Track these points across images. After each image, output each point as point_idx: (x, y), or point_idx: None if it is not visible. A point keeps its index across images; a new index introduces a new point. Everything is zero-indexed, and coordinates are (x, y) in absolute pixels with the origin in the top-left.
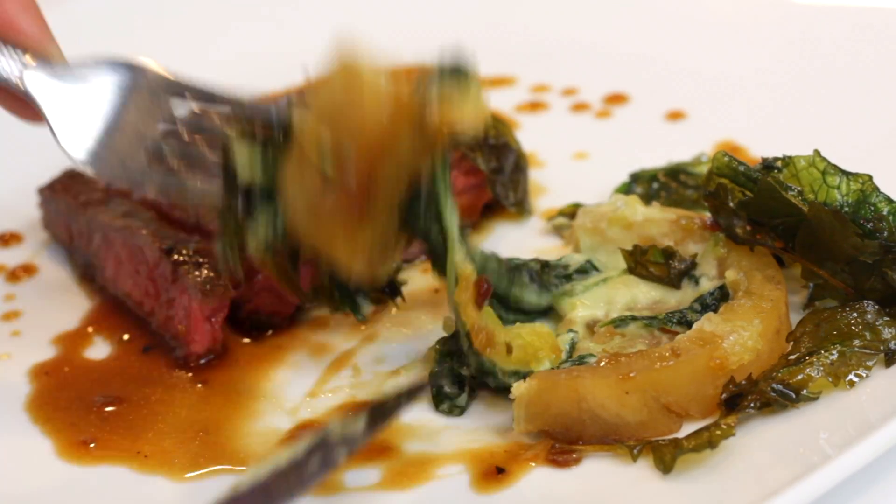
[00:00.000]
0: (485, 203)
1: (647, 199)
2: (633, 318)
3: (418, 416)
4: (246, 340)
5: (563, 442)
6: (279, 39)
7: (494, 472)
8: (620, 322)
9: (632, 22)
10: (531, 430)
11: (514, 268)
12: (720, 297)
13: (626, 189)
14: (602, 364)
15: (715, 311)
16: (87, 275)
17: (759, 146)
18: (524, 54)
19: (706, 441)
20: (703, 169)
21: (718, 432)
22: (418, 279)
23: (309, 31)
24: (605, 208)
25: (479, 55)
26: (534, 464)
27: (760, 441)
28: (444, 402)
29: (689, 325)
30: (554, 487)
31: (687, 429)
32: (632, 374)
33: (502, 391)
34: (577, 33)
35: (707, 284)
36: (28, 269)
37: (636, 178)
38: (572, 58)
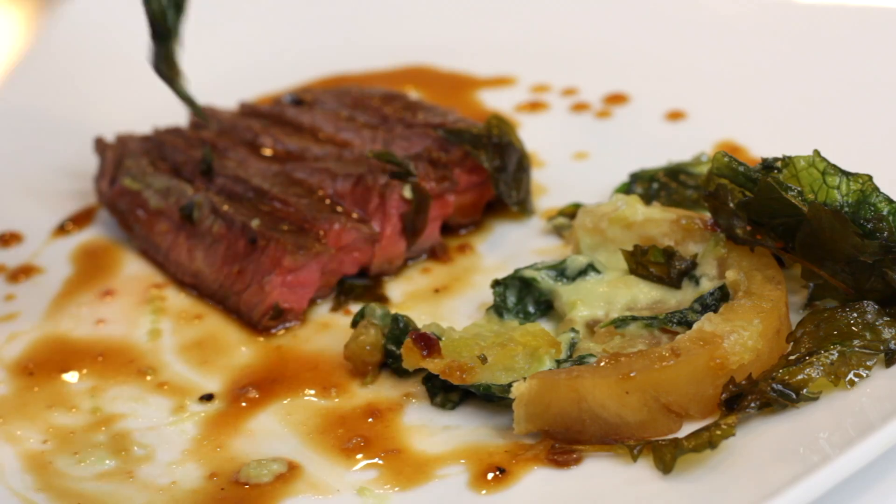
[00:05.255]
0: (487, 201)
1: (647, 199)
2: (634, 318)
3: (418, 416)
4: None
5: (563, 442)
6: (277, 40)
7: (494, 472)
8: (621, 322)
9: (632, 22)
10: (531, 431)
11: None
12: (720, 298)
13: (626, 189)
14: (602, 364)
15: (715, 311)
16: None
17: (759, 146)
18: (524, 54)
19: (706, 441)
20: (703, 169)
21: (718, 432)
22: (418, 279)
23: (308, 32)
24: (606, 208)
25: (479, 55)
26: (534, 464)
27: (760, 441)
28: (438, 395)
29: (689, 325)
30: (554, 487)
31: (687, 429)
32: (632, 374)
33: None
34: (577, 33)
35: (707, 284)
36: (28, 270)
37: (636, 178)
38: (572, 58)
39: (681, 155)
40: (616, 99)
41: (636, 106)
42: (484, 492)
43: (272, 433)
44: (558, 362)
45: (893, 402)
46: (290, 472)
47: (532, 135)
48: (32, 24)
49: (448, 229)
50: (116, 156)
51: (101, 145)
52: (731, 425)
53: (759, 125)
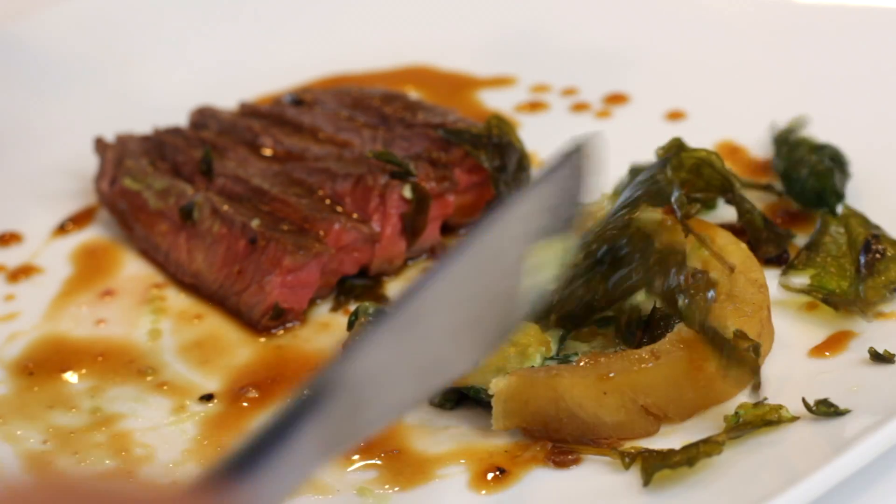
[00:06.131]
0: (487, 201)
1: None
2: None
3: (418, 416)
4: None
5: (541, 439)
6: (277, 40)
7: (494, 472)
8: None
9: (632, 22)
10: (509, 427)
11: None
12: None
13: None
14: (581, 364)
15: None
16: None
17: (759, 146)
18: (524, 54)
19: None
20: None
21: (706, 449)
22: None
23: (308, 32)
24: (591, 208)
25: (479, 55)
26: (534, 464)
27: (760, 441)
28: (437, 395)
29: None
30: (554, 487)
31: (665, 430)
32: (611, 375)
33: None
34: (577, 33)
35: None
36: (28, 270)
37: (635, 173)
38: (572, 58)
39: None
40: (616, 99)
41: (636, 106)
42: (484, 492)
43: None
44: (548, 360)
45: (893, 402)
46: None
47: (532, 135)
48: (31, 23)
49: (448, 229)
50: (116, 156)
51: (101, 145)
52: (720, 442)
53: (759, 125)
